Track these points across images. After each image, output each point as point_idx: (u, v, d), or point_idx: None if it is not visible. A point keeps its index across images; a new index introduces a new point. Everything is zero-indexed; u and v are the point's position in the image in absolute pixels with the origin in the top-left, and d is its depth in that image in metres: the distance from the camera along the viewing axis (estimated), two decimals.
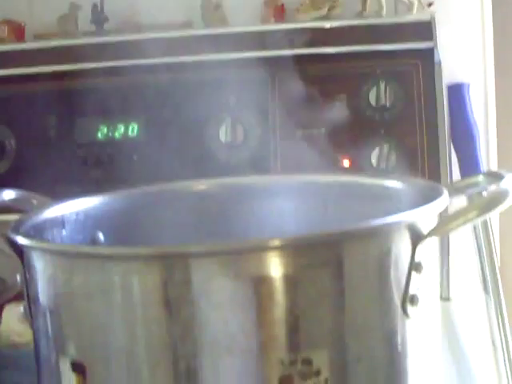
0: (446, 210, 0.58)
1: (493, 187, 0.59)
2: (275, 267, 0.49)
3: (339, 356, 0.51)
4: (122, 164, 1.07)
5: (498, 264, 1.06)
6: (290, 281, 0.50)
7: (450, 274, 1.02)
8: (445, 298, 1.03)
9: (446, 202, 0.57)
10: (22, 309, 0.86)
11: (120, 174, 1.06)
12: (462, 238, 1.02)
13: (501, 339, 1.06)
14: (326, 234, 0.51)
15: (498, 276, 1.04)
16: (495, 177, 0.60)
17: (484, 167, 1.08)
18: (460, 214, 0.54)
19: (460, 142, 1.06)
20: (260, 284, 0.49)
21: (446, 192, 0.58)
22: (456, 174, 1.07)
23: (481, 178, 0.64)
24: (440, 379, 0.58)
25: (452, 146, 1.06)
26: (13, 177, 1.07)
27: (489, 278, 1.05)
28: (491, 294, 1.05)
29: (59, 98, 1.09)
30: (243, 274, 0.49)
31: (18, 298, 0.83)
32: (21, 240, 0.56)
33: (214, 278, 0.49)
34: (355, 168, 1.01)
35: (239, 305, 0.49)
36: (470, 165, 1.06)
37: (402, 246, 0.53)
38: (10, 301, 0.89)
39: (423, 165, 1.01)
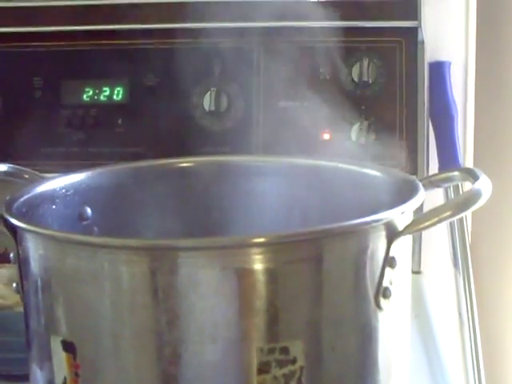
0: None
1: (467, 185, 0.62)
2: (258, 262, 0.52)
3: (314, 346, 0.54)
4: (107, 127, 1.08)
5: (468, 241, 1.09)
6: (271, 275, 0.53)
7: (422, 248, 1.06)
8: (416, 271, 1.07)
9: (421, 199, 0.60)
10: (5, 271, 0.89)
11: (104, 136, 1.08)
12: None
13: (467, 312, 1.10)
14: (308, 232, 0.54)
15: (469, 252, 1.08)
16: (471, 175, 0.63)
17: (460, 145, 1.11)
18: (434, 213, 0.57)
19: (438, 120, 1.09)
20: (243, 277, 0.52)
21: (422, 189, 0.61)
22: (433, 151, 1.10)
23: (457, 173, 0.66)
24: (409, 362, 0.62)
25: (430, 124, 1.09)
26: None
27: (459, 254, 1.08)
28: (460, 269, 1.08)
29: (46, 59, 1.10)
30: (228, 268, 0.52)
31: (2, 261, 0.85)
32: (14, 221, 0.58)
33: (200, 271, 0.52)
34: (334, 142, 1.03)
35: (223, 296, 0.52)
36: (447, 143, 1.09)
37: (378, 243, 0.56)
38: None
39: (401, 142, 1.03)
